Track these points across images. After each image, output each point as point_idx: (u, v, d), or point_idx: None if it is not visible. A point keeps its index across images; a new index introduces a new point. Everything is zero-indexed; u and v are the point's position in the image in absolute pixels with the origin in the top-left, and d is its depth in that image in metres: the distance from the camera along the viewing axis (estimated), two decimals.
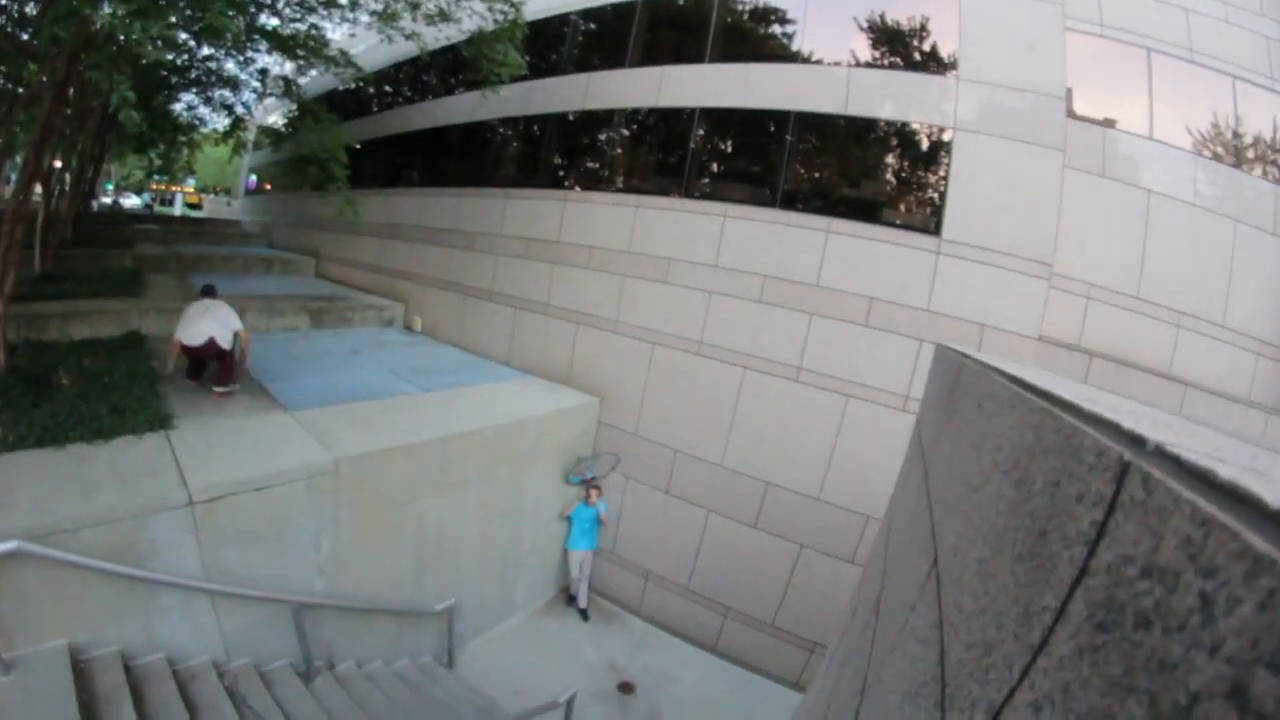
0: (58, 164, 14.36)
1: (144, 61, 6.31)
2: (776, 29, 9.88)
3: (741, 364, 9.37)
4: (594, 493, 9.68)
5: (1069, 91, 7.79)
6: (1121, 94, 7.95)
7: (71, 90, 7.99)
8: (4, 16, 7.34)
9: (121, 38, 5.33)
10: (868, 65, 8.84)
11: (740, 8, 10.24)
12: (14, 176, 7.95)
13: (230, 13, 6.29)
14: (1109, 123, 7.85)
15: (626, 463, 10.52)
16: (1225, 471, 0.75)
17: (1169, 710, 0.60)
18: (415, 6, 9.16)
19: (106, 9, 5.20)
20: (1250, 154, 7.93)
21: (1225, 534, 0.60)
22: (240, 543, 6.32)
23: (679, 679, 9.25)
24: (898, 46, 8.71)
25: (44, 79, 7.37)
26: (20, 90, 7.97)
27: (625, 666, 9.36)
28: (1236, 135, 7.87)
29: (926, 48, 8.52)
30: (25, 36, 7.75)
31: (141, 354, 9.56)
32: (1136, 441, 0.97)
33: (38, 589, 5.06)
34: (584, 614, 10.28)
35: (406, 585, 8.16)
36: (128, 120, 5.73)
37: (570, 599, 10.46)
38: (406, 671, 8.35)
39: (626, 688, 8.93)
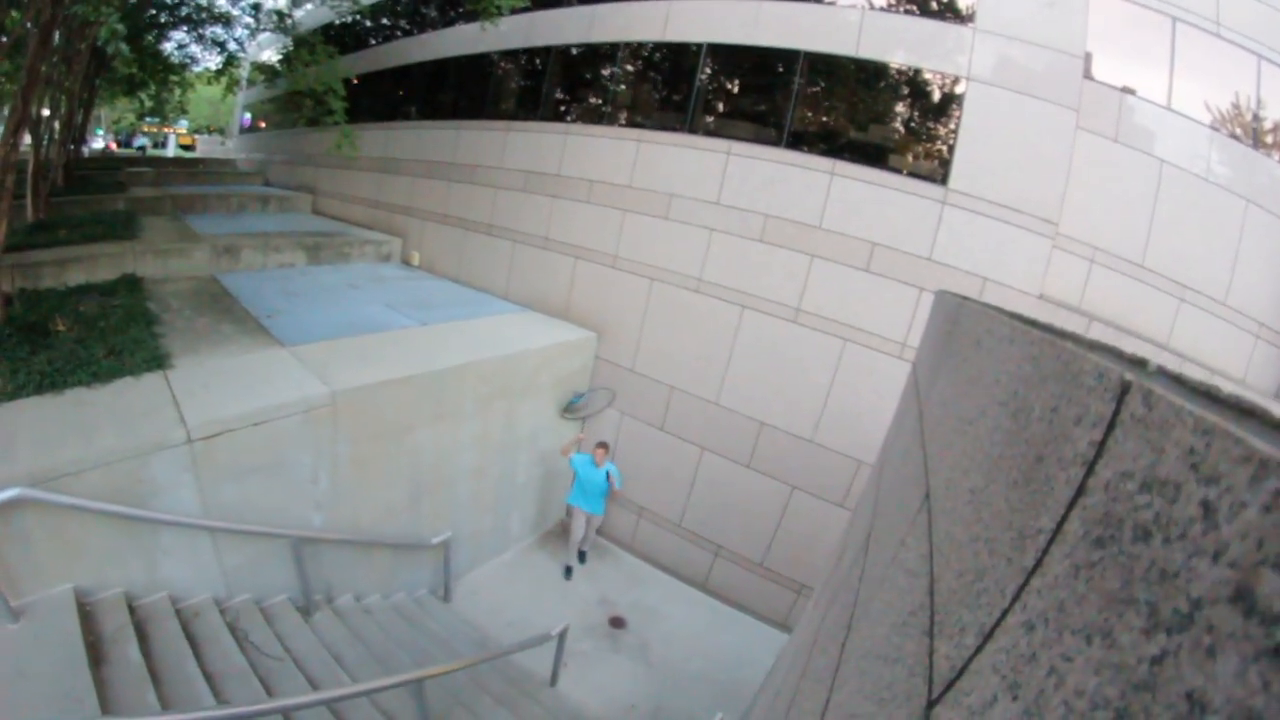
0: (45, 111, 14.11)
1: None
2: None
3: (740, 303, 9.38)
4: (600, 452, 9.25)
5: (1088, 53, 7.61)
6: (1142, 61, 7.77)
7: (57, 33, 7.81)
8: None
9: None
10: (883, 9, 8.63)
11: None
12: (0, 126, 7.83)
13: None
14: (1127, 89, 7.72)
15: (622, 398, 10.63)
16: (1228, 388, 0.80)
17: (1169, 618, 0.62)
18: None
19: None
20: (1269, 138, 7.84)
21: (1229, 440, 0.61)
22: (239, 479, 6.43)
23: (669, 615, 9.49)
24: None
25: (28, 24, 7.21)
26: (3, 38, 7.82)
27: (616, 601, 9.59)
28: (1257, 116, 7.74)
29: None
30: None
31: (138, 296, 9.58)
32: (1137, 364, 1.03)
33: (41, 535, 5.16)
34: (569, 571, 10.22)
35: (403, 518, 8.31)
36: (118, 55, 5.65)
37: (568, 570, 10.23)
38: (403, 605, 8.59)
39: (617, 622, 9.16)
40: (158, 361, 7.12)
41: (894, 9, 8.58)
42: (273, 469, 6.69)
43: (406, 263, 15.11)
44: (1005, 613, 1.02)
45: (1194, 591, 0.60)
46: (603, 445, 9.14)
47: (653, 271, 10.19)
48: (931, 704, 1.16)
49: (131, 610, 5.63)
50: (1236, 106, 7.75)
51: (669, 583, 10.19)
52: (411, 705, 6.08)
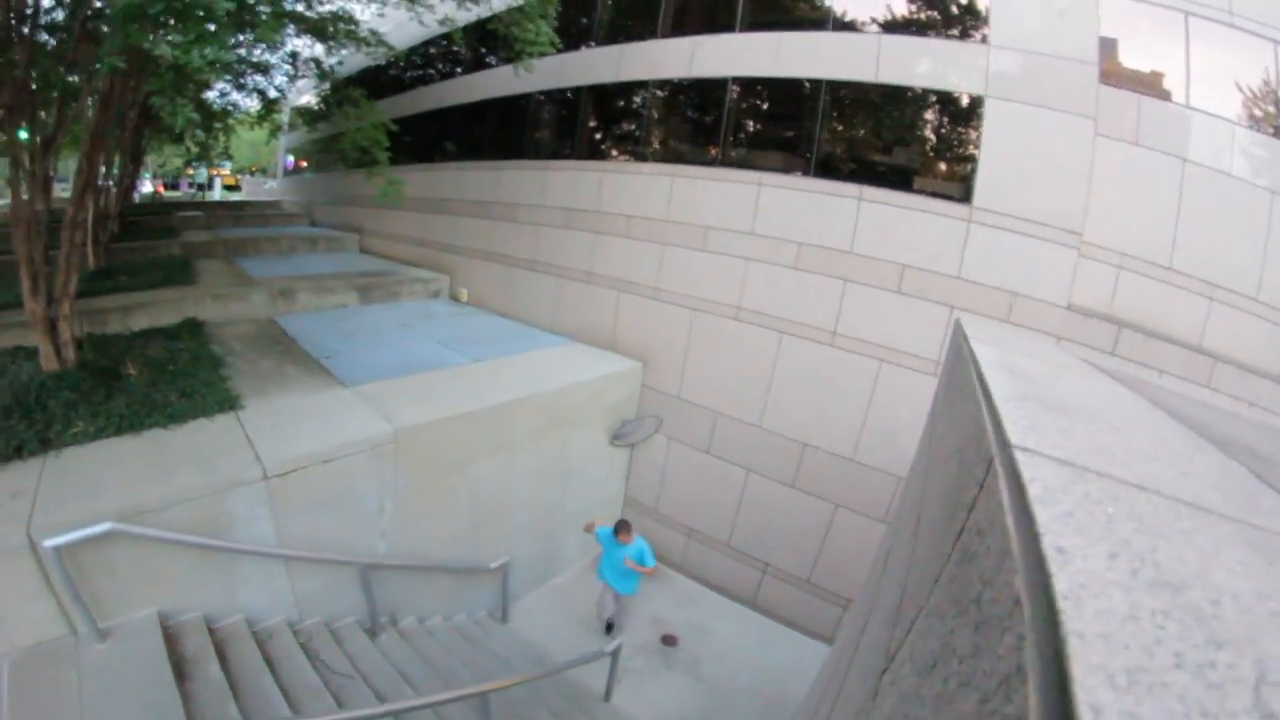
0: (102, 166, 14.94)
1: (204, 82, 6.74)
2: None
3: (779, 329, 9.83)
4: (623, 534, 8.79)
5: (1101, 57, 7.82)
6: (1157, 59, 7.92)
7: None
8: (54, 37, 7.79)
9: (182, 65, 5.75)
10: (898, 32, 8.98)
11: None
12: (57, 180, 8.41)
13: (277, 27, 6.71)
14: (1143, 89, 7.85)
15: (669, 424, 11.16)
16: (1028, 480, 1.23)
17: (988, 599, 1.08)
18: None
19: (167, 41, 5.63)
20: None
21: (1009, 516, 1.11)
22: (310, 511, 7.02)
23: (718, 632, 9.92)
24: (928, 12, 8.86)
25: (92, 97, 7.83)
26: (69, 107, 8.47)
27: (668, 620, 10.06)
28: (1278, 103, 7.78)
29: (957, 12, 8.64)
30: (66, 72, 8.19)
31: (201, 340, 10.28)
32: (1003, 442, 1.45)
33: (128, 564, 5.71)
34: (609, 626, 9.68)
35: (463, 545, 8.89)
36: (189, 136, 6.21)
37: (609, 626, 9.71)
38: (464, 626, 9.15)
39: (669, 640, 9.63)
40: (229, 403, 7.73)
41: (909, 32, 8.96)
42: (341, 501, 7.31)
43: (455, 299, 15.87)
44: (929, 597, 1.45)
45: (998, 591, 1.06)
46: (624, 524, 8.82)
47: (693, 301, 10.75)
48: (882, 673, 1.59)
49: (211, 632, 6.20)
50: (1256, 95, 7.82)
51: (719, 601, 10.65)
52: (471, 715, 6.67)
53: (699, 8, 11.26)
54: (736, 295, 10.20)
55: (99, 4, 7.24)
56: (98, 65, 6.24)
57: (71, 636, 5.45)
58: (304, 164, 32.32)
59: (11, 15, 6.83)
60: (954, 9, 8.66)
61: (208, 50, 5.53)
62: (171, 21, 5.73)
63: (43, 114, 7.84)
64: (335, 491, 7.20)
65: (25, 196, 7.45)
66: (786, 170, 9.83)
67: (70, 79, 8.14)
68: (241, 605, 6.63)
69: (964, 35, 8.53)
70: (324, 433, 7.32)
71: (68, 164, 22.58)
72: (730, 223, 10.18)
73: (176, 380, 8.10)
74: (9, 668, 5.11)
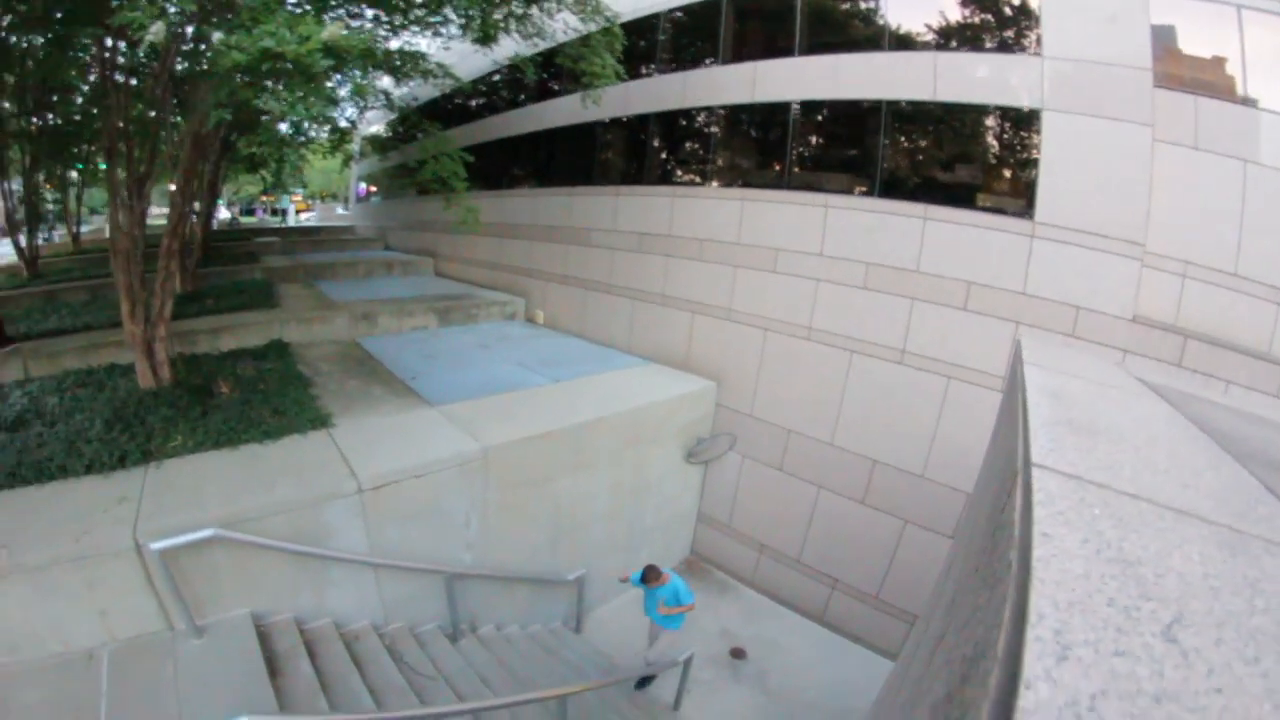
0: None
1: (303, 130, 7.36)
2: (860, 19, 10.39)
3: (849, 348, 10.19)
4: (654, 580, 8.40)
5: (1155, 60, 7.80)
6: (1211, 58, 7.84)
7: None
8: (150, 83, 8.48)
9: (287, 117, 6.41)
10: (953, 48, 9.26)
11: None
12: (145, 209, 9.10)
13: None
14: (1200, 90, 7.76)
15: (742, 442, 11.63)
16: (1035, 489, 1.62)
17: (999, 569, 1.52)
18: (502, 30, 9.88)
19: (274, 97, 6.27)
20: None
21: (1018, 514, 1.54)
22: (401, 523, 7.64)
23: (787, 647, 10.28)
24: (982, 27, 9.04)
25: (186, 140, 8.53)
26: (163, 146, 9.16)
27: (737, 634, 10.47)
28: None
29: (1009, 25, 8.82)
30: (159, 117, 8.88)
31: (288, 360, 11.14)
32: (1026, 460, 1.84)
33: (226, 567, 6.33)
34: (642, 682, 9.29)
35: (542, 557, 9.48)
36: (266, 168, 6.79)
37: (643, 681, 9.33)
38: (540, 634, 9.70)
39: (738, 653, 10.03)
40: (321, 421, 8.50)
41: (964, 48, 9.15)
42: (430, 514, 7.96)
43: (531, 321, 16.65)
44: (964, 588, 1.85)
45: (1000, 565, 1.51)
46: (651, 570, 8.40)
47: (765, 322, 11.22)
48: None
49: (301, 632, 6.78)
50: None
51: (788, 616, 11.01)
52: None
53: (758, 33, 11.71)
54: (807, 315, 10.60)
55: (181, 62, 7.87)
56: (209, 114, 6.91)
57: (169, 632, 6.07)
58: (372, 189, 33.80)
59: (107, 70, 7.55)
60: (1006, 22, 8.83)
61: (311, 104, 6.11)
62: (273, 81, 6.39)
63: (136, 153, 8.58)
64: (425, 505, 7.82)
65: (123, 228, 8.21)
66: (852, 191, 10.21)
67: (173, 120, 8.86)
68: (331, 608, 7.25)
69: (1018, 48, 8.71)
70: (415, 449, 7.98)
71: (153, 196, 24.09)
72: (800, 244, 10.59)
73: (269, 399, 8.95)
74: (109, 656, 5.75)
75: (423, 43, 11.60)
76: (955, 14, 9.20)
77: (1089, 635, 1.19)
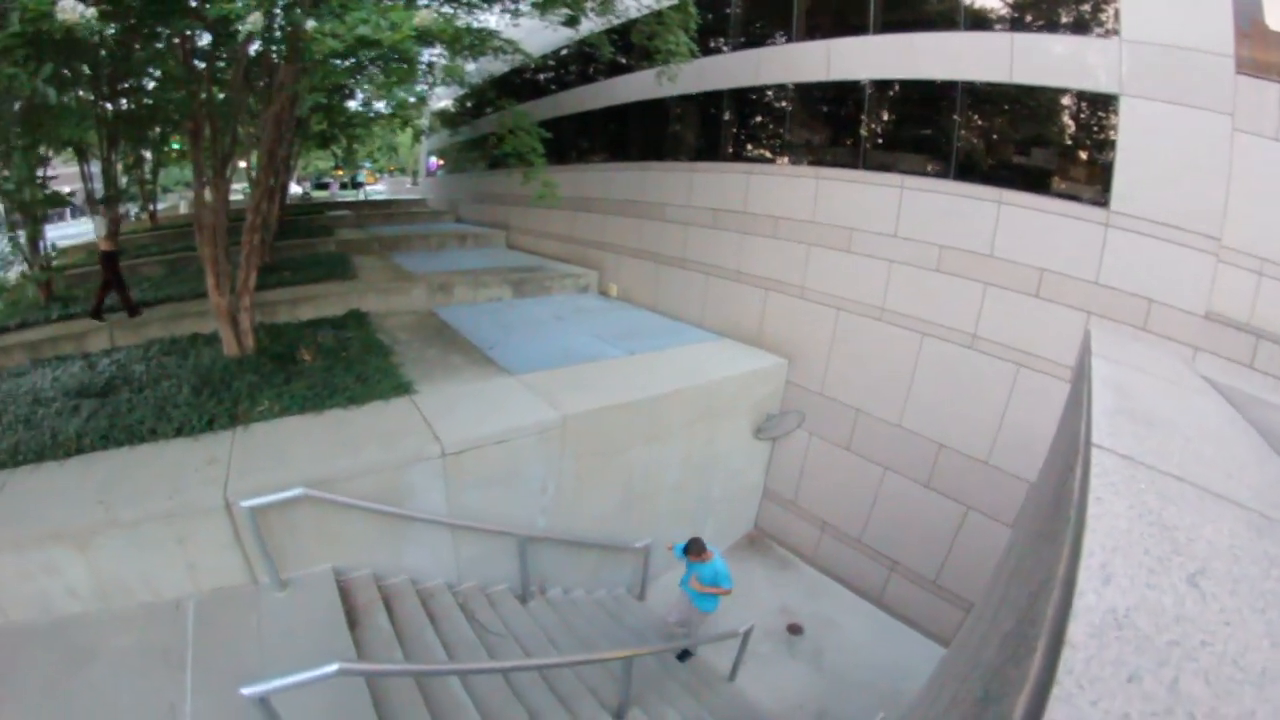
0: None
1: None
2: None
3: (920, 330, 10.38)
4: (696, 555, 8.53)
5: (1237, 47, 7.43)
6: None
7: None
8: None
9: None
10: (1029, 28, 9.19)
11: None
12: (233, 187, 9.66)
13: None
14: None
15: (811, 420, 11.98)
16: (1094, 464, 2.06)
17: (1059, 524, 2.04)
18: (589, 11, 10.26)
19: (370, 83, 6.73)
20: None
21: (1077, 484, 2.06)
22: (480, 486, 8.19)
23: (843, 626, 10.70)
24: (1059, 6, 8.90)
25: (268, 120, 9.10)
26: (247, 126, 9.70)
27: (796, 610, 10.94)
28: None
29: (1088, 6, 8.67)
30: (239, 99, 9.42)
31: (367, 330, 11.83)
32: (1088, 441, 2.24)
33: (310, 525, 6.87)
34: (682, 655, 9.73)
35: (613, 525, 10.02)
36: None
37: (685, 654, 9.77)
38: (604, 600, 10.31)
39: (795, 629, 10.52)
40: (404, 388, 9.10)
41: (1040, 28, 9.07)
42: (508, 479, 8.52)
43: (604, 294, 17.19)
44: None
45: (1060, 522, 1.99)
46: (695, 543, 8.51)
47: (838, 301, 11.50)
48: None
49: (379, 588, 7.33)
50: None
51: (845, 595, 11.42)
52: (609, 683, 7.78)
53: (830, 10, 11.80)
54: (880, 296, 10.81)
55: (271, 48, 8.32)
56: (302, 98, 7.42)
57: (253, 585, 6.66)
58: (440, 162, 34.93)
59: (189, 58, 8.06)
60: (1085, 3, 8.71)
61: (408, 88, 6.57)
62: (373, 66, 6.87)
63: (220, 134, 9.16)
64: (504, 470, 8.36)
65: (209, 202, 8.82)
66: (927, 173, 10.29)
67: (249, 102, 9.37)
68: (408, 566, 7.85)
69: (1096, 29, 8.52)
70: (496, 416, 8.53)
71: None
72: (874, 225, 10.77)
73: (351, 366, 9.60)
74: (195, 606, 6.37)
75: (491, 19, 11.94)
76: None
77: (1128, 570, 1.60)
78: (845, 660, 9.92)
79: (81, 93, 9.54)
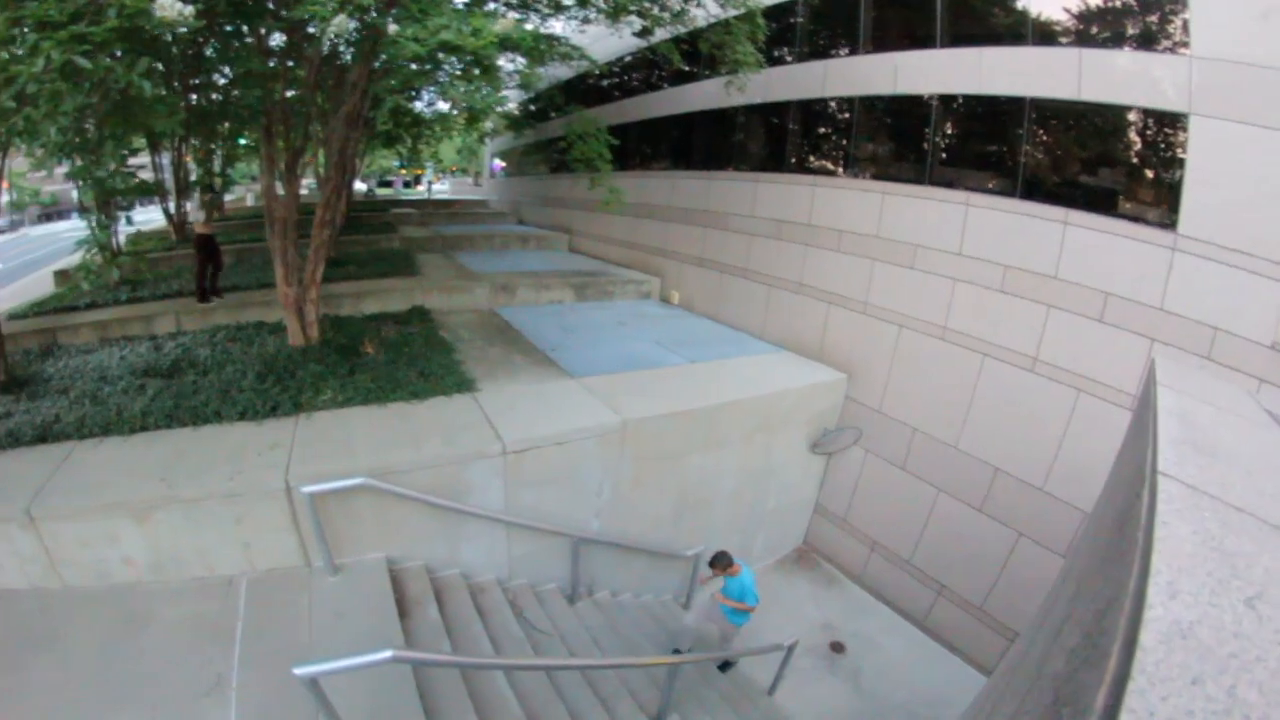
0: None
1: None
2: (1002, 8, 10.24)
3: (982, 350, 10.31)
4: (719, 568, 8.53)
5: None
6: None
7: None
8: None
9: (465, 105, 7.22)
10: (1099, 44, 9.01)
11: None
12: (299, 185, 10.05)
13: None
14: None
15: (867, 437, 12.03)
16: (1160, 491, 2.32)
17: (1128, 540, 2.24)
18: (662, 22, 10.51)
19: (454, 88, 7.05)
20: None
21: (1144, 507, 2.28)
22: (537, 486, 8.44)
23: (885, 646, 10.72)
24: (1127, 21, 8.77)
25: (340, 119, 9.41)
26: (319, 125, 10.08)
27: (839, 628, 10.99)
28: None
29: (1157, 22, 8.48)
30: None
31: (430, 326, 12.19)
32: (1154, 469, 2.45)
33: (368, 514, 7.16)
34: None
35: (665, 531, 10.22)
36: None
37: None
38: (650, 605, 10.51)
39: (837, 647, 10.56)
40: (466, 385, 9.43)
41: (1109, 44, 8.90)
42: (565, 480, 8.76)
43: (666, 301, 17.45)
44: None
45: (1129, 539, 2.25)
46: (720, 556, 8.50)
47: (900, 318, 11.52)
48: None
49: (430, 580, 7.58)
50: None
51: (890, 615, 11.42)
52: (650, 688, 7.96)
53: (897, 23, 11.78)
54: (943, 315, 10.79)
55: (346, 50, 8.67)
56: (384, 99, 7.77)
57: (306, 568, 6.97)
58: (501, 165, 36.02)
59: (268, 60, 8.45)
60: (1154, 18, 8.52)
61: (490, 93, 6.87)
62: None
63: (293, 131, 9.58)
64: (562, 471, 8.60)
65: (281, 196, 9.21)
66: (993, 191, 10.24)
67: (318, 101, 9.75)
68: (461, 560, 8.14)
69: (1165, 46, 8.32)
70: (556, 418, 8.79)
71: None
72: (939, 242, 10.76)
73: (414, 361, 9.99)
74: (247, 584, 6.72)
75: (557, 25, 12.24)
76: (1101, 6, 8.99)
77: (1192, 588, 1.78)
78: (885, 682, 9.94)
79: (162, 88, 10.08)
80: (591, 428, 8.67)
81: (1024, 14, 9.67)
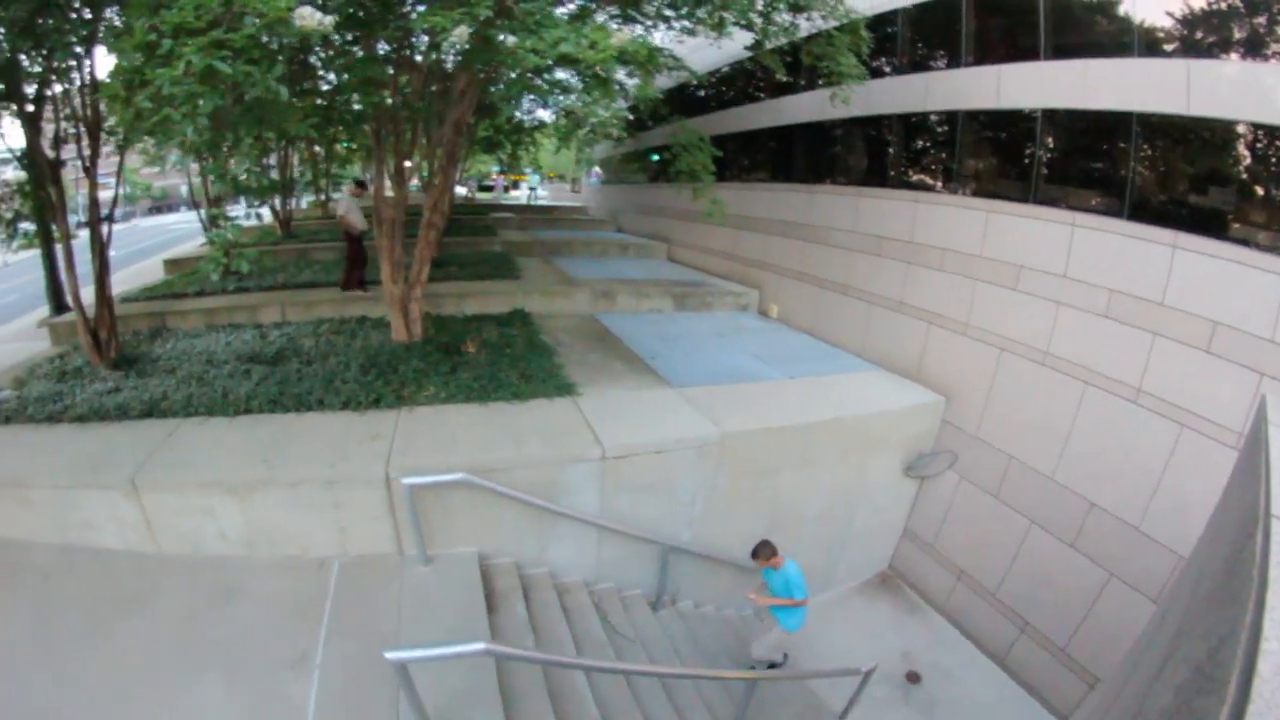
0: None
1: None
2: (1107, 18, 9.93)
3: (1084, 378, 10.08)
4: (763, 559, 8.33)
5: None
6: None
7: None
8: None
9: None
10: (1209, 55, 8.60)
11: None
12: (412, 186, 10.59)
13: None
14: None
15: (961, 463, 11.91)
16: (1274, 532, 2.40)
17: (1241, 579, 2.35)
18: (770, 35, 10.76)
19: (573, 100, 7.43)
20: None
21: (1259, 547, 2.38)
22: (632, 492, 8.72)
23: (962, 681, 10.54)
24: (1236, 27, 8.40)
25: (449, 124, 9.93)
26: (430, 130, 10.63)
27: (917, 657, 10.90)
28: None
29: (1263, 21, 8.09)
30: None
31: (531, 329, 12.66)
32: (1267, 512, 2.57)
33: (463, 508, 7.52)
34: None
35: (752, 545, 10.09)
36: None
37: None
38: (732, 619, 10.74)
39: (913, 677, 10.50)
40: (568, 389, 9.86)
41: (1220, 54, 8.54)
42: (660, 489, 9.02)
43: (764, 314, 17.60)
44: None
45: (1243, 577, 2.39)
46: (762, 545, 8.34)
47: (1002, 341, 11.39)
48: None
49: (519, 577, 7.90)
50: None
51: (969, 649, 11.20)
52: (725, 702, 8.25)
53: (1000, 34, 11.67)
54: (1045, 339, 10.61)
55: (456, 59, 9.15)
56: (501, 108, 8.25)
57: (398, 556, 7.37)
58: (598, 172, 36.96)
59: (388, 66, 8.97)
60: (1266, 24, 8.12)
61: (607, 105, 7.23)
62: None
63: (404, 136, 10.18)
64: (658, 479, 8.87)
65: (389, 198, 9.71)
66: (1100, 211, 9.99)
67: (421, 107, 10.29)
68: (550, 560, 8.49)
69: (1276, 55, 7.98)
70: (656, 426, 9.10)
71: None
72: (1043, 263, 10.60)
73: (515, 363, 10.49)
74: (339, 567, 7.20)
75: (658, 35, 12.50)
76: (1211, 16, 8.60)
77: None
78: (960, 718, 9.82)
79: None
80: (690, 438, 8.92)
81: (1128, 22, 9.40)
